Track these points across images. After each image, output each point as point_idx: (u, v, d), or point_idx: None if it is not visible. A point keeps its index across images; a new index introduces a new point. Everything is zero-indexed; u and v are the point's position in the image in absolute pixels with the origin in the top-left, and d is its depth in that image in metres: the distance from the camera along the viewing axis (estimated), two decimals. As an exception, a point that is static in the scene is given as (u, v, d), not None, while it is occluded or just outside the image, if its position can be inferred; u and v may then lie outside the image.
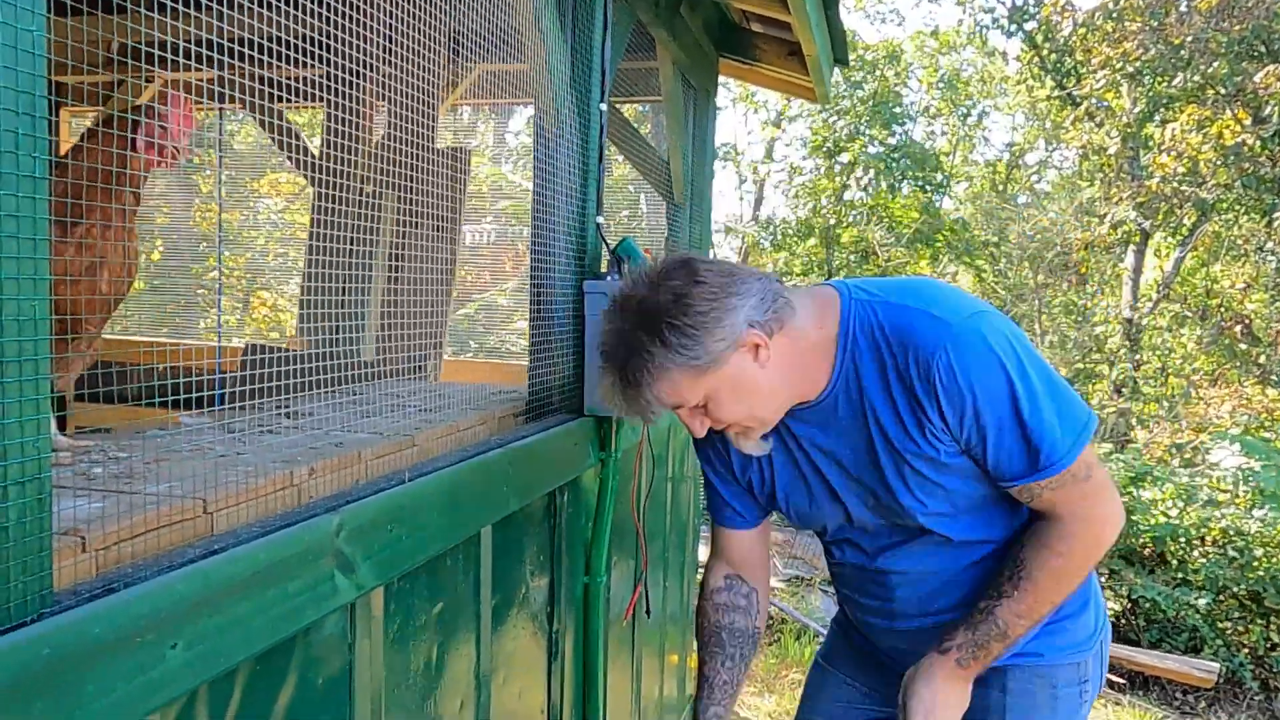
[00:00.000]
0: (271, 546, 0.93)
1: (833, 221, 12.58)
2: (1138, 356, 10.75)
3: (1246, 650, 5.26)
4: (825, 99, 3.53)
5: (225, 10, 0.99)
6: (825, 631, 5.20)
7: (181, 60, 0.96)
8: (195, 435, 1.29)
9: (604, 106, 1.96)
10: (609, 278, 1.87)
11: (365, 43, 1.36)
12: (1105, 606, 1.56)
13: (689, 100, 3.08)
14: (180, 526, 0.95)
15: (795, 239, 12.75)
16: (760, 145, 16.37)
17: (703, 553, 5.70)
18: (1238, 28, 8.57)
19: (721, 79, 3.61)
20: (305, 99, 1.30)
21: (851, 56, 13.46)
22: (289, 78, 1.26)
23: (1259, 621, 5.31)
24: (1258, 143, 8.73)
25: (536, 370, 1.83)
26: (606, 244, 1.93)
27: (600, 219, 1.97)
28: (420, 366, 2.06)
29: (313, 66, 1.26)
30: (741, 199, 17.96)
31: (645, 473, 2.27)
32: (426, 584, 1.31)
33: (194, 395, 1.11)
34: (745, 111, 16.79)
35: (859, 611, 1.58)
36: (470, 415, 1.64)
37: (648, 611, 2.32)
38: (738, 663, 1.64)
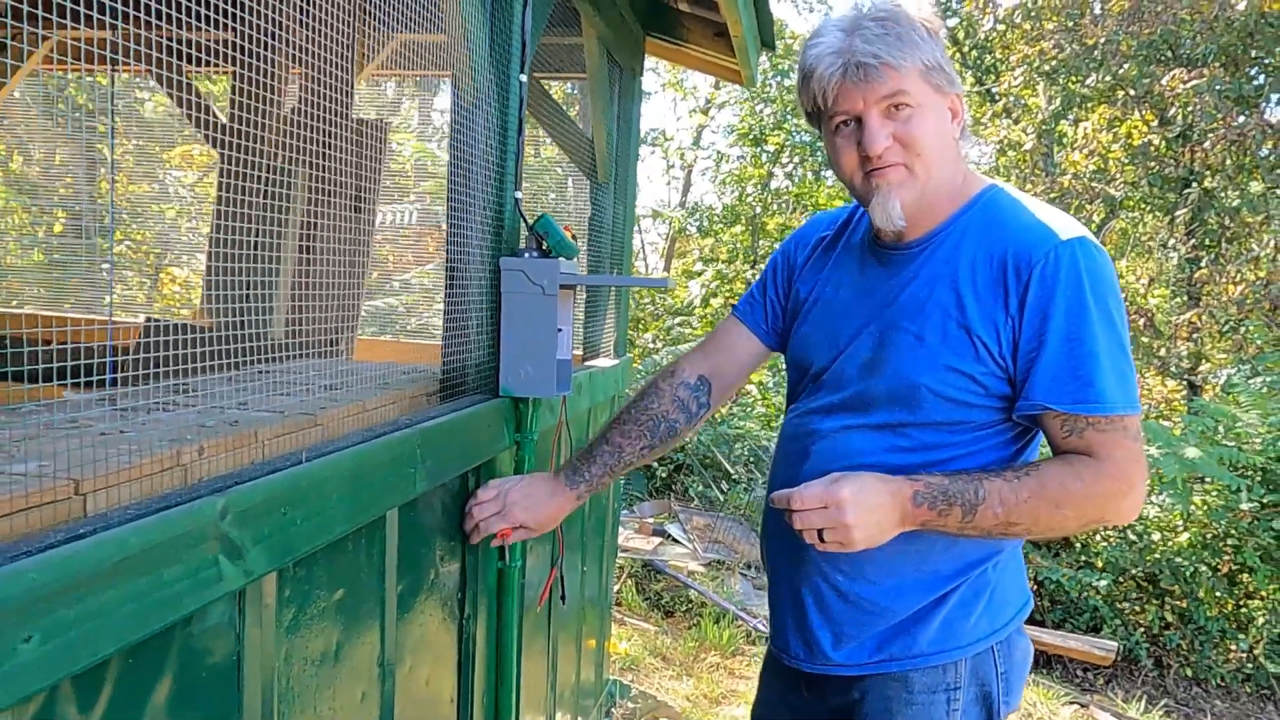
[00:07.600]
0: (144, 530, 0.86)
1: (759, 209, 12.67)
2: (1048, 348, 11.07)
3: (1142, 629, 5.50)
4: (751, 82, 3.52)
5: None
6: (744, 615, 5.23)
7: (69, 22, 0.87)
8: (76, 412, 1.20)
9: (524, 78, 1.90)
10: (526, 254, 1.82)
11: (276, 4, 1.27)
12: (1013, 618, 1.46)
13: (614, 78, 3.02)
14: (46, 509, 0.87)
15: (721, 226, 12.80)
16: (689, 132, 16.39)
17: (622, 537, 5.67)
18: (1146, 31, 8.88)
19: (650, 62, 3.57)
20: (205, 65, 1.21)
21: (779, 45, 13.54)
22: (189, 41, 1.17)
23: (1154, 602, 5.55)
24: (1163, 143, 9.08)
25: (451, 348, 1.77)
26: (525, 220, 1.88)
27: (519, 194, 1.91)
28: (332, 345, 1.98)
29: (211, 32, 1.18)
30: (670, 184, 17.98)
31: (563, 455, 2.22)
32: (326, 569, 1.25)
33: (84, 374, 1.02)
34: (674, 98, 16.77)
35: (771, 487, 1.55)
36: (379, 394, 1.57)
37: (563, 598, 2.29)
38: (645, 455, 1.66)
